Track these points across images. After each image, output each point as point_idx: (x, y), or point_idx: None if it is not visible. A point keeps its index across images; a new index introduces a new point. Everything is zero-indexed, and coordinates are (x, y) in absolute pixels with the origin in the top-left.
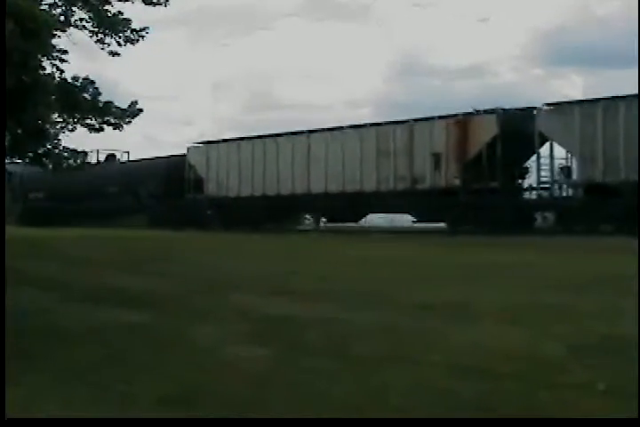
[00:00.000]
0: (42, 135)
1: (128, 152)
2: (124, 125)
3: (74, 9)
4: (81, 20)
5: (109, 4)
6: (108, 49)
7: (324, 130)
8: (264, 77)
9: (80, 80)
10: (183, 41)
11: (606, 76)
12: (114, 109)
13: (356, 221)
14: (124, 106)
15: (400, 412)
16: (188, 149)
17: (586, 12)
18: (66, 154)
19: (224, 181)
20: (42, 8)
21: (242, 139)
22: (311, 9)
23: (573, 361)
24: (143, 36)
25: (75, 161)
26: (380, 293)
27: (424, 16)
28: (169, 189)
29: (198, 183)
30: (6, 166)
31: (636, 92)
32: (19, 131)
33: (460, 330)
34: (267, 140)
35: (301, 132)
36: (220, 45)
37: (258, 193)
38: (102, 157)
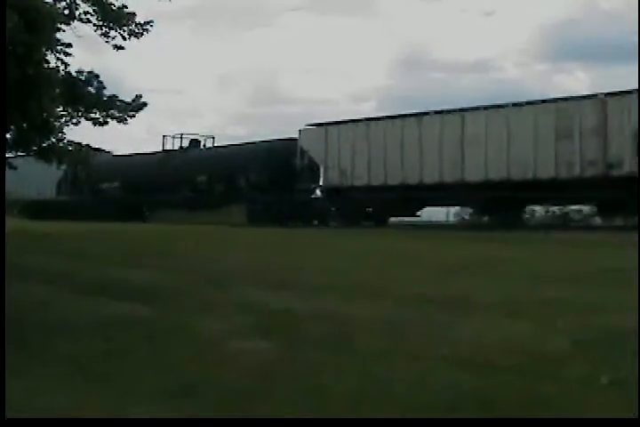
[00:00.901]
0: (46, 129)
1: (213, 137)
2: (129, 119)
3: (78, 2)
4: (85, 13)
5: None
6: (112, 42)
7: (482, 108)
8: (269, 71)
9: (84, 74)
10: (188, 34)
11: (611, 71)
12: (118, 103)
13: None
14: (129, 99)
15: (403, 405)
16: (301, 131)
17: (591, 6)
18: (71, 148)
19: (348, 169)
20: (46, 1)
21: (371, 119)
22: (315, 3)
23: (577, 355)
24: (148, 30)
25: (79, 155)
26: (384, 286)
27: (428, 10)
28: (272, 177)
29: (312, 171)
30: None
31: None
32: (24, 124)
33: (463, 324)
34: (407, 119)
35: (452, 111)
36: (225, 39)
37: (394, 182)
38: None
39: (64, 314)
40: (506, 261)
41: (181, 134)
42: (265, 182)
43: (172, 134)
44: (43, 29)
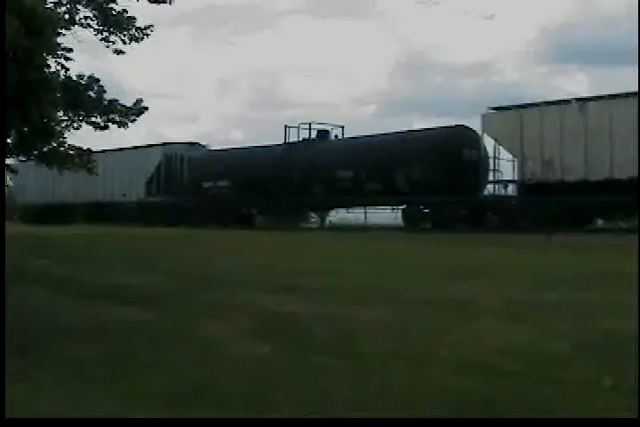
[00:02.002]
0: (47, 133)
1: (343, 126)
2: (129, 123)
3: (78, 7)
4: (86, 18)
5: (114, 1)
6: (113, 47)
7: None
8: (269, 75)
9: (85, 78)
10: (188, 39)
11: (611, 73)
12: (119, 107)
13: None
14: (129, 104)
15: (406, 408)
16: (484, 115)
17: (591, 9)
18: (72, 152)
19: (555, 160)
20: (47, 6)
21: (582, 99)
22: (316, 6)
23: (579, 358)
24: (148, 35)
25: (80, 159)
26: (383, 289)
27: (429, 13)
28: (440, 172)
29: (488, 164)
30: (166, 148)
31: None
32: (24, 129)
33: (465, 327)
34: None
35: None
36: (225, 43)
37: (621, 175)
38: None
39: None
40: (508, 264)
41: (309, 123)
42: (431, 178)
43: (296, 124)
44: (43, 34)
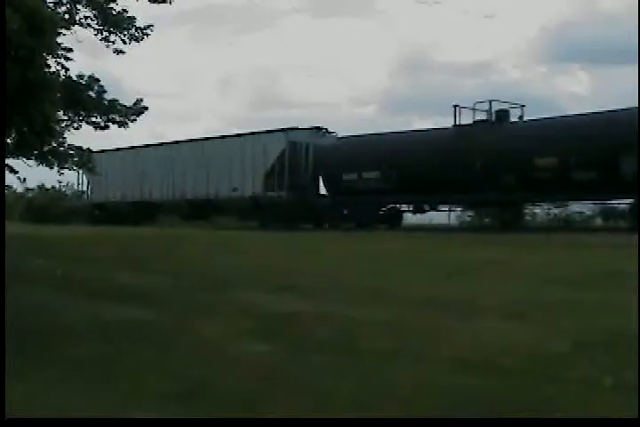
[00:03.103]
0: (47, 133)
1: (523, 106)
2: (130, 123)
3: (78, 7)
4: (86, 17)
5: (114, 1)
6: (112, 47)
7: None
8: (269, 74)
9: (85, 78)
10: (188, 38)
11: (613, 73)
12: (119, 107)
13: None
14: (130, 103)
15: (407, 407)
16: None
17: (592, 8)
18: (72, 152)
19: None
20: (47, 6)
21: None
22: (315, 5)
23: (580, 357)
24: (148, 34)
25: (81, 159)
26: (385, 288)
27: (429, 12)
28: None
29: None
30: (290, 134)
31: None
32: (24, 129)
33: (466, 326)
34: None
35: None
36: (225, 43)
37: None
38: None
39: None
40: (507, 263)
41: (490, 101)
42: None
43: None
44: (44, 33)
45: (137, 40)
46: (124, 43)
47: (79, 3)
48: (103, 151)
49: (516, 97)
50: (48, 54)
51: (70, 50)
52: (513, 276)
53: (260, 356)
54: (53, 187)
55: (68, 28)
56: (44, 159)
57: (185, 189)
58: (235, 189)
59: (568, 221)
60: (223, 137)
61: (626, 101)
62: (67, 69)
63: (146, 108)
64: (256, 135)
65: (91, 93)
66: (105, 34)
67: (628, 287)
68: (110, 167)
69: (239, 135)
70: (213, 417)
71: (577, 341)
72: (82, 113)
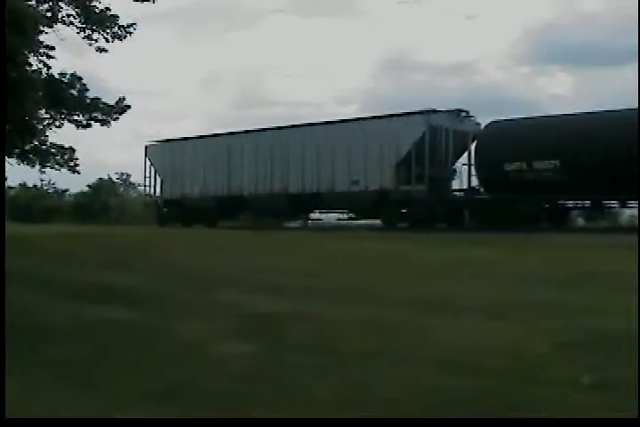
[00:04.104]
0: (29, 131)
1: None
2: (112, 122)
3: (61, 5)
4: (68, 16)
5: None
6: (95, 45)
7: None
8: (253, 74)
9: (67, 76)
10: (172, 37)
11: (595, 75)
12: (101, 106)
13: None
14: (112, 102)
15: (389, 407)
16: None
17: (575, 10)
18: (53, 150)
19: None
20: (28, 4)
21: None
22: (299, 5)
23: (561, 357)
24: (131, 33)
25: (62, 157)
26: (366, 289)
27: (412, 12)
28: None
29: None
30: (430, 117)
31: None
32: (6, 127)
33: (448, 326)
34: None
35: None
36: (210, 42)
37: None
38: None
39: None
40: (490, 263)
41: None
42: None
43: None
44: (25, 31)
45: (120, 38)
46: (107, 41)
47: (61, 1)
48: (184, 139)
49: (497, 98)
50: (30, 52)
51: (53, 48)
52: (497, 276)
53: (242, 356)
54: (35, 186)
55: (51, 26)
56: (25, 158)
57: (287, 182)
58: (355, 182)
59: None
60: (342, 121)
61: (607, 103)
62: (49, 67)
63: (128, 107)
64: (385, 119)
65: (73, 92)
66: (88, 32)
67: (610, 288)
68: (189, 157)
69: (361, 119)
70: (214, 417)
71: (558, 341)
72: (64, 111)
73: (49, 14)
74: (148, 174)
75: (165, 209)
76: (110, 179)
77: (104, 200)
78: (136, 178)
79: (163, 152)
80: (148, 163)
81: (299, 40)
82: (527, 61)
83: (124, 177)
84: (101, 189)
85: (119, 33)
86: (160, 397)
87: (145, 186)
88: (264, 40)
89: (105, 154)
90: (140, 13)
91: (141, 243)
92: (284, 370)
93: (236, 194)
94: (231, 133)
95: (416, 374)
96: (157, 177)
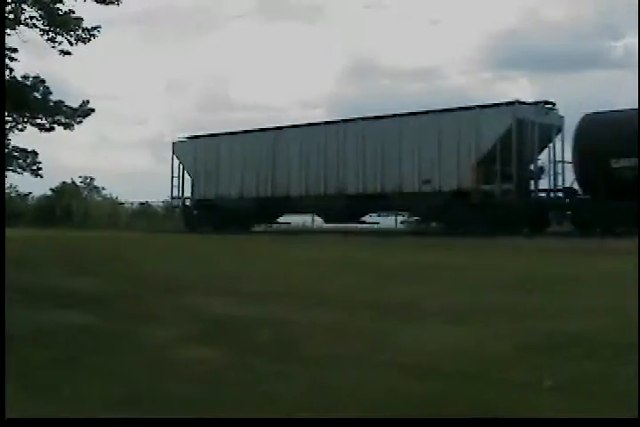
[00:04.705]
0: None
1: None
2: (75, 125)
3: (24, 6)
4: (31, 18)
5: (60, 2)
6: (59, 48)
7: None
8: (218, 77)
9: (30, 79)
10: (137, 41)
11: (555, 80)
12: (64, 109)
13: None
14: (76, 105)
15: (351, 410)
16: None
17: (536, 16)
18: (16, 154)
19: None
20: None
21: None
22: (265, 9)
23: (521, 359)
24: (95, 35)
25: (25, 161)
26: (328, 293)
27: (376, 17)
28: None
29: None
30: (517, 110)
31: None
32: None
33: (408, 330)
34: None
35: None
36: (174, 45)
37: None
38: None
39: None
40: (451, 267)
41: None
42: None
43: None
44: None
45: (84, 41)
46: (71, 44)
47: (25, 2)
48: (219, 135)
49: (460, 102)
50: None
51: (15, 50)
52: (457, 280)
53: (203, 360)
54: None
55: (13, 28)
56: None
57: (344, 182)
58: (426, 182)
59: None
60: (411, 114)
61: (566, 109)
62: (11, 70)
63: (92, 110)
64: (464, 111)
65: (36, 95)
66: (51, 34)
67: (568, 291)
68: (226, 155)
69: (435, 111)
70: (213, 417)
71: (517, 344)
72: (27, 114)
73: (12, 16)
74: (175, 174)
75: (196, 212)
76: (74, 182)
77: (66, 204)
78: (100, 182)
79: (195, 149)
80: (176, 161)
81: (264, 44)
82: (489, 67)
83: (88, 181)
84: (64, 192)
85: (83, 36)
86: (120, 401)
87: (172, 186)
88: (229, 44)
89: (68, 158)
90: (104, 16)
91: (107, 248)
92: (245, 374)
93: (282, 195)
94: (277, 128)
95: (377, 378)
96: (187, 176)
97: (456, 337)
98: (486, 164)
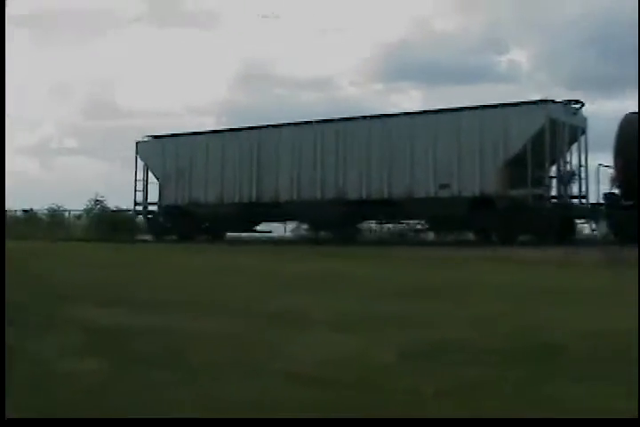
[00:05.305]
0: None
1: None
2: None
3: None
4: None
5: None
6: None
7: None
8: (107, 83)
9: None
10: (25, 43)
11: (443, 92)
12: None
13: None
14: None
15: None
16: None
17: (427, 29)
18: None
19: None
20: None
21: None
22: (157, 14)
23: (405, 367)
24: None
25: None
26: (222, 302)
27: (270, 26)
28: None
29: None
30: (550, 108)
31: None
32: None
33: (297, 339)
34: None
35: None
36: (62, 49)
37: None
38: None
39: None
40: (342, 276)
41: None
42: None
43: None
44: None
45: None
46: None
47: None
48: (193, 134)
49: (355, 113)
50: None
51: None
52: (345, 288)
53: (90, 371)
54: None
55: None
56: None
57: (344, 186)
58: (444, 187)
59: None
60: (426, 112)
61: None
62: None
63: None
64: (487, 109)
65: None
66: None
67: (454, 300)
68: (201, 156)
69: (453, 109)
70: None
71: (403, 352)
72: None
73: None
74: (139, 177)
75: (162, 219)
76: None
77: None
78: None
79: (163, 150)
80: (140, 162)
81: (156, 50)
82: (380, 78)
83: None
84: None
85: None
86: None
87: (136, 191)
88: (120, 49)
89: None
90: None
91: None
92: (133, 384)
93: (269, 200)
94: (264, 127)
95: (266, 387)
96: (152, 180)
97: (343, 345)
98: (514, 166)
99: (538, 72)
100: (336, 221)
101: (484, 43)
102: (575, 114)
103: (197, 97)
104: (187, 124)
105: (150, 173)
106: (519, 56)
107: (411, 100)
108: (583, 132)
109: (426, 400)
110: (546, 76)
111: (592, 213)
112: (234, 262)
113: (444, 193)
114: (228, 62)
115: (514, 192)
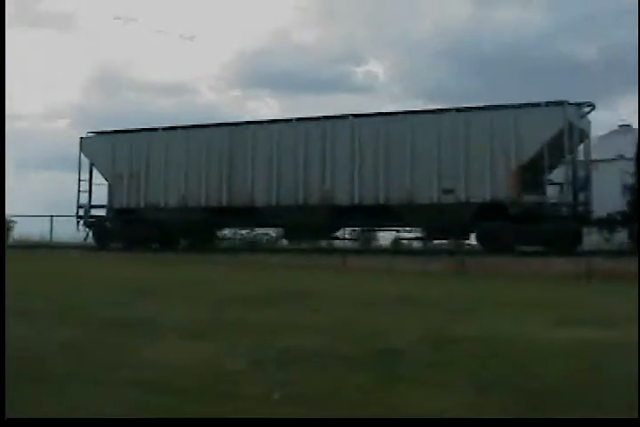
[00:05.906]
0: None
1: None
2: None
3: None
4: None
5: None
6: None
7: None
8: None
9: None
10: None
11: (297, 100)
12: None
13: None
14: None
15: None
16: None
17: (286, 39)
18: None
19: None
20: None
21: None
22: (9, 14)
23: (254, 373)
24: None
25: None
26: (74, 309)
27: (125, 30)
28: None
29: None
30: (568, 110)
31: None
32: None
33: (147, 346)
34: None
35: None
36: None
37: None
38: None
39: None
40: (197, 283)
41: None
42: None
43: None
44: None
45: None
46: None
47: None
48: (150, 130)
49: (213, 119)
50: None
51: None
52: (197, 295)
53: None
54: None
55: None
56: None
57: (332, 191)
58: (448, 192)
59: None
60: (428, 111)
61: None
62: None
63: None
64: (497, 110)
65: None
66: None
67: (306, 307)
68: (160, 154)
69: (459, 109)
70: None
71: (253, 358)
72: None
73: None
74: (83, 177)
75: (110, 224)
76: None
77: None
78: None
79: (113, 147)
80: (85, 160)
81: (10, 51)
82: (238, 84)
83: None
84: None
85: None
86: None
87: (80, 192)
88: None
89: None
90: None
91: None
92: None
93: (242, 204)
94: (235, 124)
95: (113, 396)
96: (97, 180)
97: (192, 353)
98: (528, 171)
99: (394, 83)
100: (316, 227)
101: (341, 54)
102: (583, 117)
103: (52, 100)
104: (39, 127)
105: (97, 173)
106: (376, 68)
107: (268, 107)
108: (587, 136)
109: (270, 406)
110: (400, 88)
111: (608, 222)
112: (80, 269)
113: (448, 198)
114: (84, 65)
115: (529, 198)
